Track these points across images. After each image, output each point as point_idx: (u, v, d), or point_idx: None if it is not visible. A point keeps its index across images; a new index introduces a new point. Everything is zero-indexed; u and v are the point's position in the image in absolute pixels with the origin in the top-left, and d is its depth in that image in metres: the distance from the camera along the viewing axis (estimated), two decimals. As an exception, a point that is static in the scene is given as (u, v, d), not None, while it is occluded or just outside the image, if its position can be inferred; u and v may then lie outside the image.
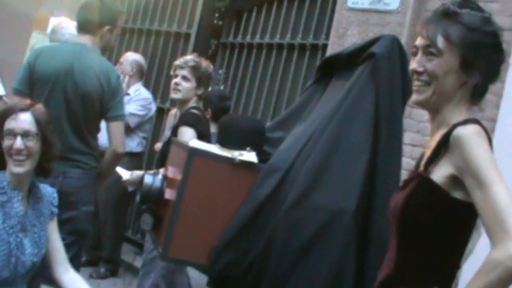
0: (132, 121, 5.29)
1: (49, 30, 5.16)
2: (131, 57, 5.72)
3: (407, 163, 3.83)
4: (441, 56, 1.80)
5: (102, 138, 3.65)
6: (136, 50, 6.36)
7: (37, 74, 3.43)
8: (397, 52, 2.70)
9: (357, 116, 2.64)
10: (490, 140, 1.74)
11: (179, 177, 2.63)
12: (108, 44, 3.63)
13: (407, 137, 3.74)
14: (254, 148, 2.74)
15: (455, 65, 1.79)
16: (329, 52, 4.60)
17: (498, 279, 1.54)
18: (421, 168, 1.86)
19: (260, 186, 2.60)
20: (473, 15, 1.80)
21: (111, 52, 6.22)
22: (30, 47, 7.46)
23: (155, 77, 6.49)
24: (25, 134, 2.52)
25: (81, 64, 3.42)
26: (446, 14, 1.82)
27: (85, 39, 3.53)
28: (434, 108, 1.86)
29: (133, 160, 5.38)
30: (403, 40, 3.90)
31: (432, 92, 1.82)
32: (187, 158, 2.58)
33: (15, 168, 2.51)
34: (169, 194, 2.73)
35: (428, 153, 1.85)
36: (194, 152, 2.61)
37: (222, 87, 6.15)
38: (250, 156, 2.66)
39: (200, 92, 3.95)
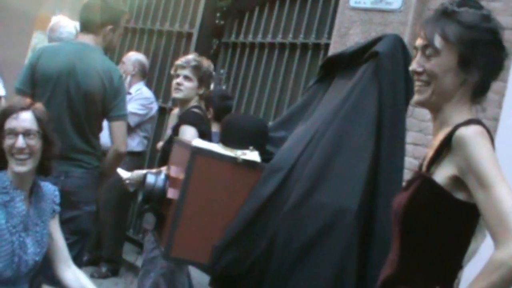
0: (132, 120, 5.28)
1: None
2: (134, 57, 5.73)
3: (409, 162, 3.83)
4: (439, 56, 1.80)
5: (104, 137, 3.65)
6: (138, 50, 6.36)
7: (39, 73, 3.43)
8: (400, 51, 2.70)
9: (359, 115, 2.64)
10: (492, 141, 1.73)
11: (181, 176, 2.63)
12: (110, 43, 3.63)
13: (409, 136, 3.74)
14: (257, 147, 2.74)
15: (453, 64, 1.79)
16: (331, 51, 4.59)
17: (501, 279, 1.54)
18: (424, 168, 1.86)
19: (262, 186, 2.60)
20: (471, 13, 1.80)
21: (113, 52, 6.22)
22: (31, 47, 7.46)
23: (157, 77, 6.49)
24: (26, 133, 2.52)
25: (83, 64, 3.42)
26: (444, 14, 1.83)
27: (88, 39, 3.53)
28: (435, 107, 1.86)
29: (134, 159, 5.38)
30: (406, 39, 3.89)
31: (432, 92, 1.82)
32: (189, 157, 2.58)
33: (17, 167, 2.51)
34: (171, 193, 2.73)
35: (430, 153, 1.85)
36: (197, 151, 2.61)
37: (224, 87, 6.15)
38: (252, 155, 2.66)
39: (201, 91, 3.96)
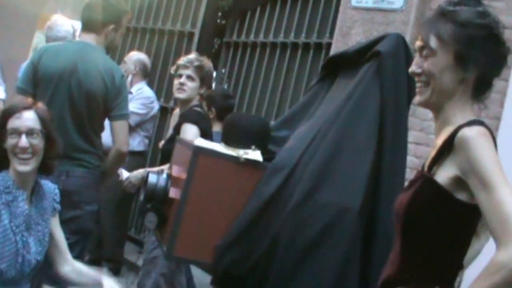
0: (133, 120, 5.27)
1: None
2: (135, 56, 5.73)
3: (411, 161, 3.83)
4: (435, 56, 1.81)
5: (106, 137, 3.65)
6: (139, 49, 6.36)
7: (40, 73, 3.42)
8: (402, 51, 2.70)
9: (362, 114, 2.64)
10: (495, 142, 1.73)
11: (183, 176, 2.63)
12: (112, 43, 3.63)
13: (411, 135, 3.74)
14: (259, 146, 2.73)
15: (450, 62, 1.79)
16: (333, 51, 4.59)
17: (502, 280, 1.54)
18: (425, 168, 1.86)
19: (265, 185, 2.60)
20: (466, 10, 1.80)
21: (115, 51, 6.22)
22: (33, 47, 7.47)
23: (158, 76, 6.49)
24: (29, 132, 2.52)
25: (85, 63, 3.42)
26: (441, 14, 1.84)
27: (90, 38, 3.53)
28: (436, 107, 1.86)
29: (135, 159, 5.37)
30: (408, 39, 3.87)
31: (432, 92, 1.83)
32: (192, 157, 2.58)
33: (20, 167, 2.51)
34: (173, 193, 2.73)
35: (433, 153, 1.85)
36: (199, 151, 2.60)
37: (225, 86, 6.15)
38: (255, 154, 2.66)
39: (202, 91, 3.96)
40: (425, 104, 1.88)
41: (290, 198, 2.54)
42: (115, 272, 5.66)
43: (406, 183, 2.14)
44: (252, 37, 5.90)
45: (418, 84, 1.87)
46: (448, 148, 1.76)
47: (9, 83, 5.72)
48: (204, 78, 3.94)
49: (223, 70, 6.43)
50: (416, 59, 1.87)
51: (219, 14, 6.70)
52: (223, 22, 6.70)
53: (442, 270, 1.82)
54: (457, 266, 1.85)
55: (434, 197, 1.78)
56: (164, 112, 6.31)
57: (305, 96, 3.19)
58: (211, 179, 2.61)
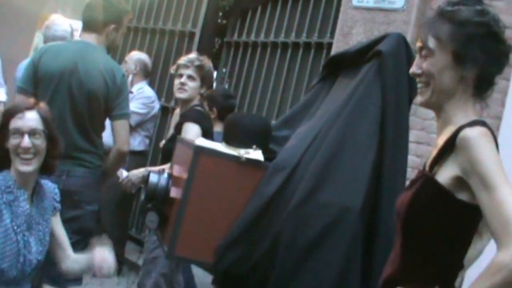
0: (133, 120, 5.27)
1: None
2: (136, 56, 5.74)
3: (412, 161, 3.83)
4: (433, 56, 1.82)
5: (106, 136, 3.65)
6: (140, 49, 6.37)
7: (41, 72, 3.42)
8: (403, 50, 2.70)
9: (363, 114, 2.64)
10: (496, 142, 1.73)
11: (184, 175, 2.63)
12: (113, 43, 3.63)
13: (412, 135, 3.74)
14: (260, 146, 2.73)
15: (448, 62, 1.80)
16: (334, 50, 4.59)
17: (503, 281, 1.54)
18: (427, 168, 1.86)
19: (266, 184, 2.60)
20: (464, 10, 1.81)
21: (116, 51, 6.23)
22: (33, 47, 7.47)
23: (159, 76, 6.50)
24: (32, 133, 2.52)
25: (86, 63, 3.41)
26: (440, 15, 1.85)
27: (90, 38, 3.53)
28: (437, 107, 1.87)
29: (135, 158, 5.37)
30: (409, 38, 3.88)
31: (432, 91, 1.84)
32: (193, 156, 2.58)
33: (23, 167, 2.51)
34: (174, 192, 2.73)
35: (434, 153, 1.85)
36: (200, 150, 2.60)
37: (226, 86, 6.15)
38: (256, 154, 2.66)
39: (202, 91, 3.96)
40: (426, 104, 1.89)
41: (291, 197, 2.54)
42: (116, 271, 5.66)
43: (407, 183, 2.14)
44: (253, 37, 5.90)
45: (419, 85, 1.88)
46: (449, 148, 1.76)
47: (9, 82, 5.73)
48: (204, 78, 3.94)
49: (224, 70, 6.43)
50: (417, 60, 1.88)
51: (220, 14, 6.71)
52: (224, 22, 6.70)
53: (442, 270, 1.82)
54: (458, 266, 1.85)
55: (435, 197, 1.78)
56: (165, 111, 6.31)
57: (306, 96, 3.19)
58: (212, 179, 2.61)
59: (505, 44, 1.82)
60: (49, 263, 3.17)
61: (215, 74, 5.36)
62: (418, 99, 1.90)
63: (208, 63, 4.00)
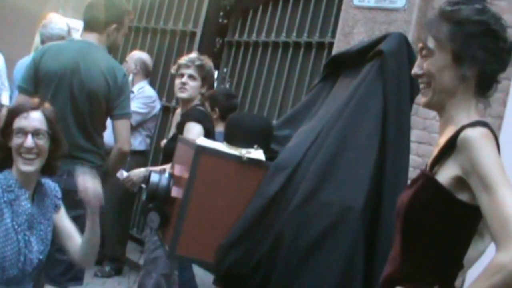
0: (134, 119, 5.26)
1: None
2: (136, 55, 5.74)
3: (414, 160, 3.83)
4: (433, 56, 1.82)
5: (108, 136, 3.65)
6: (142, 49, 6.37)
7: (42, 72, 3.42)
8: (404, 50, 2.70)
9: (364, 114, 2.64)
10: (498, 144, 1.73)
11: (186, 175, 2.63)
12: (114, 42, 3.63)
13: (413, 134, 3.74)
14: (262, 146, 2.73)
15: (448, 61, 1.80)
16: (335, 50, 4.59)
17: (502, 282, 1.54)
18: (427, 168, 1.86)
19: (268, 184, 2.60)
20: (464, 9, 1.81)
21: (117, 51, 6.23)
22: (34, 46, 7.46)
23: (160, 76, 6.50)
24: (35, 133, 2.51)
25: (87, 62, 3.41)
26: (439, 15, 1.85)
27: (92, 38, 3.53)
28: (439, 107, 1.87)
29: (136, 158, 5.38)
30: (410, 38, 3.87)
31: (433, 92, 1.84)
32: (194, 156, 2.58)
33: (25, 167, 2.50)
34: (175, 192, 2.73)
35: (435, 152, 1.85)
36: (201, 150, 2.60)
37: (227, 86, 6.15)
38: (257, 153, 2.66)
39: (203, 90, 3.96)
40: (428, 105, 1.89)
41: (292, 197, 2.54)
42: (117, 271, 5.66)
43: (409, 182, 2.14)
44: (254, 37, 5.90)
45: (421, 86, 1.89)
46: (450, 147, 1.76)
47: (11, 82, 5.73)
48: (205, 78, 3.94)
49: (225, 70, 6.43)
50: (418, 60, 1.89)
51: (221, 13, 6.70)
52: (225, 21, 6.70)
53: (442, 270, 1.82)
54: (457, 266, 1.86)
55: (435, 196, 1.78)
56: (166, 111, 6.31)
57: (308, 96, 3.19)
58: (214, 179, 2.61)
59: (506, 41, 1.81)
60: (50, 263, 3.17)
61: (216, 73, 5.36)
62: (422, 100, 1.90)
63: (209, 62, 4.01)
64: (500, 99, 3.77)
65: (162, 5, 6.71)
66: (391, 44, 2.70)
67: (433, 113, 1.96)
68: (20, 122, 2.51)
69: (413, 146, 3.72)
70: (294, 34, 5.47)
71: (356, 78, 2.75)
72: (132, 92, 5.32)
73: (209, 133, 3.56)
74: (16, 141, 2.50)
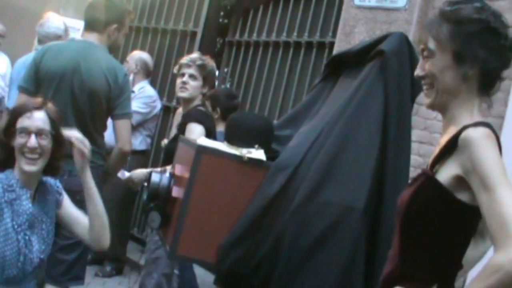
0: (135, 119, 5.26)
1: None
2: (137, 55, 5.74)
3: (415, 160, 3.83)
4: (434, 56, 1.83)
5: (108, 136, 3.65)
6: (142, 49, 6.37)
7: (43, 71, 3.43)
8: (405, 50, 2.70)
9: (365, 113, 2.64)
10: (500, 145, 1.73)
11: (186, 175, 2.63)
12: (115, 42, 3.64)
13: (414, 134, 3.74)
14: (263, 145, 2.73)
15: (449, 61, 1.80)
16: (336, 50, 4.59)
17: (498, 283, 1.54)
18: (428, 167, 1.86)
19: (268, 184, 2.60)
20: (463, 8, 1.81)
21: (117, 51, 6.23)
22: (34, 46, 7.47)
23: (161, 76, 6.50)
24: (39, 133, 2.51)
25: (88, 62, 3.42)
26: (440, 15, 1.85)
27: (92, 37, 3.53)
28: (443, 108, 1.87)
29: (137, 158, 5.38)
30: (411, 38, 3.88)
31: (436, 92, 1.84)
32: (195, 156, 2.58)
33: (27, 167, 2.50)
34: (176, 192, 2.73)
35: (436, 151, 1.85)
36: (202, 150, 2.60)
37: (228, 85, 6.15)
38: (258, 153, 2.66)
39: (205, 90, 3.96)
40: (431, 106, 1.89)
41: (293, 197, 2.54)
42: (118, 271, 5.67)
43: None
44: (254, 36, 5.90)
45: (424, 87, 1.89)
46: (451, 147, 1.76)
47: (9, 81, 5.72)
48: (206, 77, 3.94)
49: (225, 70, 6.43)
50: (420, 62, 1.89)
51: (222, 13, 6.70)
52: (226, 21, 6.69)
53: (440, 269, 1.82)
54: (456, 266, 1.86)
55: (434, 195, 1.78)
56: (167, 111, 6.31)
57: (308, 95, 3.19)
58: (214, 178, 2.61)
59: (506, 39, 1.81)
60: (51, 262, 3.17)
61: (216, 73, 5.35)
62: (425, 102, 1.90)
63: (210, 62, 4.00)
64: (501, 99, 3.77)
65: (162, 5, 6.71)
66: (392, 44, 2.70)
67: (434, 113, 1.96)
68: (23, 122, 2.51)
69: (414, 146, 3.71)
70: (295, 34, 5.47)
71: (357, 78, 2.75)
72: (133, 92, 5.32)
73: (210, 134, 3.56)
74: (19, 140, 2.50)
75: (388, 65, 2.65)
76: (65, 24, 5.17)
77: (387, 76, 2.65)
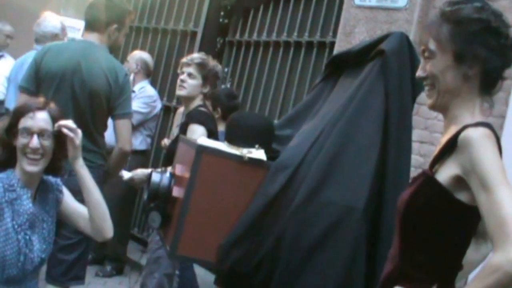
0: (135, 119, 5.27)
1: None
2: (137, 55, 5.74)
3: (415, 160, 3.83)
4: (434, 57, 1.83)
5: (109, 136, 3.65)
6: (143, 49, 6.38)
7: (43, 71, 3.43)
8: (406, 49, 2.70)
9: (366, 113, 2.63)
10: (499, 145, 1.73)
11: (187, 175, 2.62)
12: (115, 42, 3.64)
13: (415, 134, 3.74)
14: (263, 145, 2.73)
15: (450, 61, 1.80)
16: (336, 50, 4.59)
17: (497, 283, 1.54)
18: (428, 166, 1.86)
19: (269, 184, 2.60)
20: (463, 8, 1.81)
21: (118, 51, 6.23)
22: (34, 46, 7.47)
23: (161, 75, 6.50)
24: (41, 133, 2.50)
25: (88, 62, 3.42)
26: (440, 16, 1.85)
27: (93, 37, 3.54)
28: (444, 108, 1.87)
29: (137, 157, 5.38)
30: (411, 37, 3.88)
31: (438, 93, 1.84)
32: (195, 156, 2.57)
33: (29, 167, 2.50)
34: (177, 192, 2.73)
35: (436, 151, 1.85)
36: (202, 150, 2.60)
37: (228, 85, 6.14)
38: (259, 153, 2.65)
39: (205, 90, 3.95)
40: (433, 107, 1.90)
41: (294, 196, 2.54)
42: (119, 271, 5.67)
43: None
44: (255, 36, 5.90)
45: (425, 88, 1.89)
46: (451, 147, 1.76)
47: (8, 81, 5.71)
48: (206, 77, 3.93)
49: (226, 69, 6.42)
50: (421, 63, 1.89)
51: (222, 13, 6.68)
52: (226, 21, 6.68)
53: (440, 269, 1.82)
54: (456, 266, 1.86)
55: (434, 195, 1.78)
56: (167, 111, 6.31)
57: (309, 95, 3.18)
58: (215, 178, 2.61)
59: (507, 38, 1.81)
60: (52, 262, 3.17)
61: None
62: (427, 103, 1.90)
63: (211, 62, 3.99)
64: (502, 98, 3.77)
65: (163, 5, 6.71)
66: (393, 44, 2.70)
67: (434, 113, 1.96)
68: (26, 122, 2.51)
69: (415, 145, 3.71)
70: (295, 33, 5.46)
71: (358, 78, 2.75)
72: (133, 91, 5.32)
73: (212, 135, 3.56)
74: (21, 141, 2.49)
75: (388, 65, 2.65)
76: (62, 23, 5.17)
77: (388, 76, 2.65)
